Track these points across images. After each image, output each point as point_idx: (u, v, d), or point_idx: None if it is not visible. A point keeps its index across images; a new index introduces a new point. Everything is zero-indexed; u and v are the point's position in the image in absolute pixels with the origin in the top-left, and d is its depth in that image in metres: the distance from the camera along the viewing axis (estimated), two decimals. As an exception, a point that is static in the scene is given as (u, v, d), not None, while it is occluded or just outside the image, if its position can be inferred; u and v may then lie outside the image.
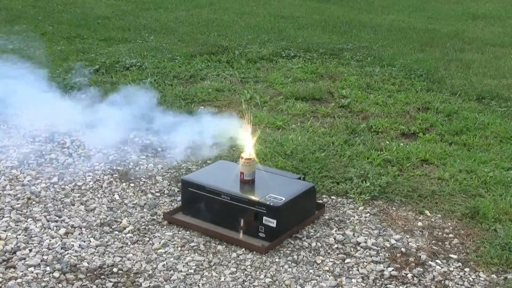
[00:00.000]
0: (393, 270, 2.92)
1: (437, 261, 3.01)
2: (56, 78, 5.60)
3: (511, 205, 3.50)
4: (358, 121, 4.90)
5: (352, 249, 3.10)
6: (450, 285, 2.83)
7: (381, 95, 5.58)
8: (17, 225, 3.20)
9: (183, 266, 2.90)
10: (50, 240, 3.07)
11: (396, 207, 3.55)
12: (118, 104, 4.80)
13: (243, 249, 3.06)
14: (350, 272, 2.91)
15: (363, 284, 2.82)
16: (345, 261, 2.98)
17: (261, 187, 3.24)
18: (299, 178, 3.48)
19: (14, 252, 2.96)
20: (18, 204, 3.42)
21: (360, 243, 3.14)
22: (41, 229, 3.18)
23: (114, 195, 3.59)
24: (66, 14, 9.10)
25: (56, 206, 3.42)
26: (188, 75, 5.99)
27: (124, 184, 3.73)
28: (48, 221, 3.26)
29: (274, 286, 2.78)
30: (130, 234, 3.17)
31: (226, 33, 8.11)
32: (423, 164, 4.12)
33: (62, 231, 3.16)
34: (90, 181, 3.74)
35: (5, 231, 3.14)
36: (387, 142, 4.46)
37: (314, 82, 5.94)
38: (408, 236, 3.23)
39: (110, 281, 2.77)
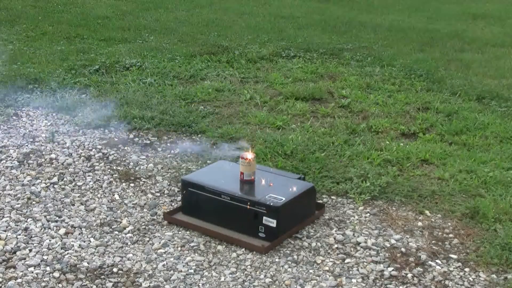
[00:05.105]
0: (393, 270, 2.92)
1: (437, 261, 3.01)
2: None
3: (511, 205, 3.50)
4: (358, 121, 4.90)
5: (352, 249, 3.10)
6: (450, 285, 2.83)
7: (381, 95, 5.58)
8: (17, 225, 3.21)
9: (183, 266, 2.90)
10: (50, 240, 3.07)
11: (396, 207, 3.54)
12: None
13: (243, 249, 3.06)
14: (350, 272, 2.91)
15: (363, 284, 2.82)
16: (345, 261, 2.98)
17: (261, 187, 3.24)
18: (299, 178, 3.48)
19: (14, 252, 2.96)
20: (18, 204, 3.42)
21: (360, 243, 3.14)
22: (41, 229, 3.18)
23: (114, 195, 3.59)
24: (66, 14, 9.10)
25: (56, 206, 3.42)
26: (188, 75, 5.99)
27: (124, 184, 3.73)
28: (48, 221, 3.26)
29: (274, 286, 2.78)
30: (130, 234, 3.17)
31: (226, 33, 8.11)
32: (423, 164, 4.12)
33: (62, 231, 3.16)
34: (90, 181, 3.74)
35: (5, 231, 3.14)
36: (387, 142, 4.46)
37: (314, 82, 5.94)
38: (408, 236, 3.23)
39: (110, 281, 2.77)
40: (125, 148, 4.25)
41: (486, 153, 4.29)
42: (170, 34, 7.91)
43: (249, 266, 2.92)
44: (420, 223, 3.37)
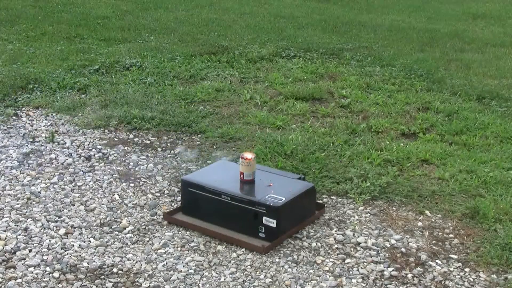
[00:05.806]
0: (393, 270, 2.92)
1: (437, 261, 3.01)
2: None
3: (511, 205, 3.50)
4: (358, 121, 4.90)
5: (352, 249, 3.10)
6: (450, 285, 2.83)
7: (381, 95, 5.57)
8: (17, 225, 3.20)
9: (183, 266, 2.90)
10: (50, 240, 3.06)
11: (396, 207, 3.54)
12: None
13: (243, 249, 3.06)
14: (350, 272, 2.91)
15: (363, 284, 2.82)
16: (345, 261, 2.98)
17: (261, 187, 3.23)
18: (299, 178, 3.48)
19: (14, 252, 2.96)
20: (18, 204, 3.42)
21: (360, 243, 3.14)
22: (41, 229, 3.18)
23: (114, 195, 3.59)
24: (66, 14, 9.09)
25: (56, 206, 3.42)
26: (188, 75, 5.98)
27: (124, 184, 3.73)
28: (48, 221, 3.25)
29: (274, 286, 2.78)
30: (130, 234, 3.17)
31: (226, 33, 8.11)
32: (423, 164, 4.12)
33: (62, 231, 3.16)
34: (90, 181, 3.74)
35: (5, 231, 3.14)
36: (387, 142, 4.46)
37: (314, 82, 5.94)
38: (408, 236, 3.23)
39: (110, 281, 2.77)
40: (125, 148, 4.25)
41: (486, 153, 4.29)
42: (170, 34, 7.90)
43: (249, 266, 2.92)
44: (420, 223, 3.36)
